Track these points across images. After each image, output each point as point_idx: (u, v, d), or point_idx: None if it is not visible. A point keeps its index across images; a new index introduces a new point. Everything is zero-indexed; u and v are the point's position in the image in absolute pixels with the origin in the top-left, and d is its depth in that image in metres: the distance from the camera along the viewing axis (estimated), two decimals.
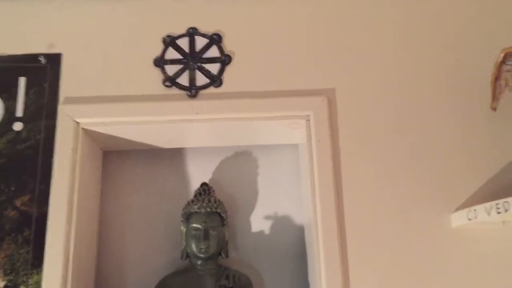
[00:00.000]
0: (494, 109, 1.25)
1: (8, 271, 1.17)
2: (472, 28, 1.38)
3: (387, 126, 1.31)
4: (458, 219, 1.21)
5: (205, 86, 1.33)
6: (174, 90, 1.32)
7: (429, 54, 1.36)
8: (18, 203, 1.22)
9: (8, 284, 1.17)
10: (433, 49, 1.36)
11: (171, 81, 1.33)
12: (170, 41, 1.36)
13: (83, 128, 1.29)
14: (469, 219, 1.16)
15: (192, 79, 1.33)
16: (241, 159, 1.51)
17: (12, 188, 1.23)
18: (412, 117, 1.31)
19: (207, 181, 1.43)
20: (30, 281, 1.16)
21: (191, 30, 1.37)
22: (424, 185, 1.26)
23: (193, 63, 1.35)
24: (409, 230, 1.23)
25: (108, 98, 1.31)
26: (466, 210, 1.17)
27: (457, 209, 1.23)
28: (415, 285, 1.20)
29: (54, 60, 1.33)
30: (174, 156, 1.51)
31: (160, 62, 1.34)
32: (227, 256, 1.34)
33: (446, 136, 1.30)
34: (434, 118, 1.31)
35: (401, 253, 1.22)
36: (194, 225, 1.31)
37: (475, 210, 1.14)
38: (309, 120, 1.30)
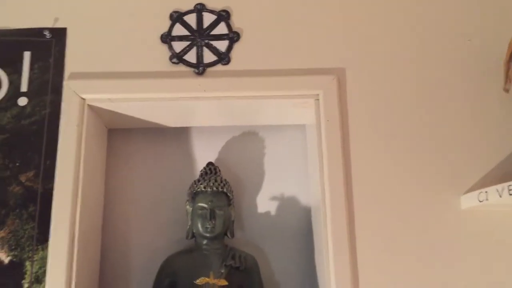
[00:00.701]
0: (507, 90, 1.23)
1: (13, 247, 1.16)
2: (484, 7, 1.35)
3: (398, 107, 1.29)
4: (468, 201, 1.19)
5: (212, 64, 1.30)
6: (181, 67, 1.30)
7: (441, 34, 1.34)
8: (23, 178, 1.20)
9: (14, 259, 1.16)
10: (444, 29, 1.34)
11: (178, 57, 1.30)
12: (177, 17, 1.33)
13: (88, 105, 1.27)
14: (480, 201, 1.14)
15: (199, 56, 1.31)
16: (248, 139, 1.50)
17: (17, 164, 1.21)
18: (423, 97, 1.29)
19: (213, 160, 1.42)
20: (36, 257, 1.15)
21: (199, 6, 1.34)
22: (434, 166, 1.25)
23: (201, 39, 1.32)
24: (418, 211, 1.22)
25: (114, 74, 1.28)
26: (476, 192, 1.16)
27: (468, 191, 1.22)
28: (423, 268, 1.19)
29: (59, 34, 1.30)
30: (180, 135, 1.49)
31: (167, 38, 1.32)
32: (233, 236, 1.33)
33: (457, 117, 1.28)
34: (445, 99, 1.29)
35: (409, 235, 1.20)
36: (200, 204, 1.30)
37: (486, 192, 1.13)
38: (318, 100, 1.28)
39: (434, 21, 1.35)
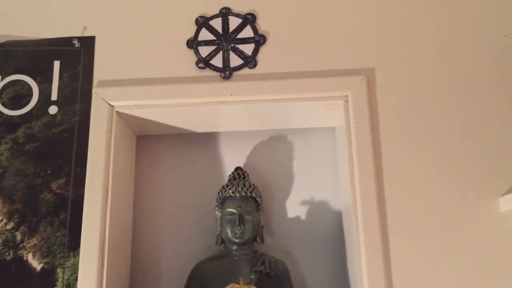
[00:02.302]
0: None
1: (45, 254, 1.18)
2: None
3: (429, 106, 1.25)
4: (507, 203, 1.15)
5: (239, 67, 1.29)
6: (208, 72, 1.30)
7: (475, 31, 1.29)
8: (54, 186, 1.22)
9: (46, 266, 1.17)
10: (478, 26, 1.30)
11: (204, 62, 1.30)
12: (203, 22, 1.33)
13: (117, 112, 1.28)
14: None
15: (225, 60, 1.30)
16: (276, 143, 1.48)
17: (48, 172, 1.23)
18: (456, 96, 1.25)
19: (241, 165, 1.41)
20: (67, 264, 1.16)
21: (224, 10, 1.34)
22: (470, 168, 1.20)
23: (227, 43, 1.32)
24: (454, 215, 1.18)
25: (142, 80, 1.29)
26: None
27: (506, 192, 1.17)
28: (460, 273, 1.14)
29: (88, 43, 1.32)
30: (208, 141, 1.48)
31: (193, 43, 1.32)
32: (262, 241, 1.31)
33: (493, 116, 1.23)
34: (480, 97, 1.25)
35: (445, 239, 1.16)
36: (229, 209, 1.29)
37: None
38: (347, 101, 1.26)
39: (467, 18, 1.30)
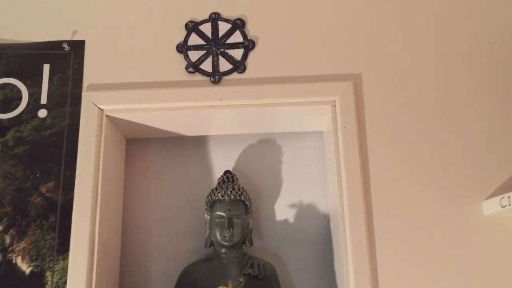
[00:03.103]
0: None
1: (34, 257, 1.18)
2: (504, 9, 1.33)
3: (416, 111, 1.27)
4: (491, 206, 1.17)
5: (228, 72, 1.31)
6: (197, 76, 1.31)
7: (460, 38, 1.32)
8: (43, 189, 1.22)
9: (35, 270, 1.17)
10: (464, 33, 1.32)
11: (194, 67, 1.31)
12: (192, 27, 1.34)
13: (106, 115, 1.29)
14: (503, 206, 1.12)
15: (215, 65, 1.31)
16: (265, 147, 1.49)
17: (38, 175, 1.23)
18: (442, 102, 1.28)
19: (230, 169, 1.42)
20: (56, 267, 1.17)
21: (214, 16, 1.35)
22: (455, 172, 1.23)
23: (216, 48, 1.33)
24: (438, 218, 1.20)
25: (132, 84, 1.30)
26: (499, 197, 1.13)
27: (490, 196, 1.19)
28: (445, 275, 1.16)
29: (78, 47, 1.32)
30: (197, 144, 1.49)
31: (183, 48, 1.33)
32: (251, 244, 1.33)
33: (478, 122, 1.26)
34: (466, 103, 1.27)
35: (430, 242, 1.18)
36: (218, 213, 1.30)
37: (509, 197, 1.10)
38: (334, 106, 1.28)
39: (452, 25, 1.33)
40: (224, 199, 1.31)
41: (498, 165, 1.22)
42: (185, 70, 1.31)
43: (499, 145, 1.24)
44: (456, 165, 1.23)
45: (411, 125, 1.26)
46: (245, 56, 1.32)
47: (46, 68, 1.31)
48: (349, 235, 1.18)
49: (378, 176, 1.23)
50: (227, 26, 1.34)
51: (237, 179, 1.37)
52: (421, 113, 1.27)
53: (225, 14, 1.35)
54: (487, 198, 1.19)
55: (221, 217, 1.29)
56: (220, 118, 1.35)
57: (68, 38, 1.33)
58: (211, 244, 1.32)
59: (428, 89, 1.28)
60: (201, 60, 1.32)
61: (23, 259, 1.18)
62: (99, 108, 1.27)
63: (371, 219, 1.20)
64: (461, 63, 1.30)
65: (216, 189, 1.34)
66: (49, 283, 1.16)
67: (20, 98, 1.29)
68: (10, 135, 1.26)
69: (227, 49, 1.33)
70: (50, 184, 1.22)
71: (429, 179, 1.22)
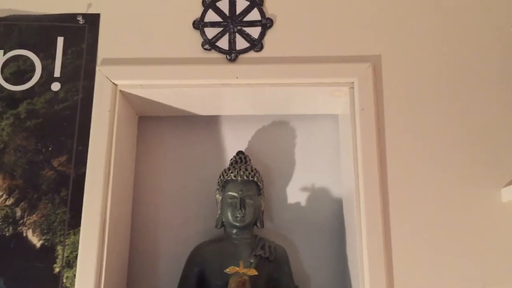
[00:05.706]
0: None
1: (45, 231, 1.17)
2: None
3: (435, 95, 1.24)
4: (510, 193, 1.15)
5: (245, 50, 1.28)
6: (213, 54, 1.28)
7: (481, 21, 1.29)
8: (55, 163, 1.21)
9: (45, 243, 1.16)
10: (485, 16, 1.29)
11: (210, 44, 1.29)
12: (210, 3, 1.32)
13: (120, 91, 1.27)
14: None
15: (232, 43, 1.29)
16: (279, 129, 1.47)
17: (50, 148, 1.22)
18: (462, 86, 1.25)
19: (243, 150, 1.40)
20: (67, 241, 1.16)
21: None
22: (473, 158, 1.20)
23: (233, 26, 1.30)
24: (456, 204, 1.18)
25: (146, 60, 1.28)
26: None
27: (509, 183, 1.17)
28: (462, 263, 1.15)
29: (92, 20, 1.30)
30: (210, 124, 1.47)
31: (199, 24, 1.30)
32: (262, 226, 1.31)
33: (497, 106, 1.24)
34: (485, 88, 1.25)
35: (447, 229, 1.17)
36: (230, 193, 1.28)
37: None
38: (352, 88, 1.25)
39: (474, 7, 1.30)
40: (237, 179, 1.29)
41: None
42: (201, 47, 1.29)
43: None
44: (475, 151, 1.21)
45: (430, 109, 1.24)
46: (262, 35, 1.29)
47: (60, 40, 1.29)
48: (364, 220, 1.16)
49: (395, 160, 1.21)
50: (245, 3, 1.32)
51: (250, 160, 1.36)
52: (440, 97, 1.24)
53: None
54: (506, 185, 1.17)
55: (233, 197, 1.28)
56: (235, 97, 1.33)
57: (83, 11, 1.31)
58: (222, 225, 1.31)
59: (448, 72, 1.26)
60: (218, 37, 1.29)
61: (34, 232, 1.17)
62: (113, 83, 1.25)
63: (386, 204, 1.18)
64: (482, 47, 1.27)
65: (229, 169, 1.32)
66: (59, 257, 1.15)
67: (33, 70, 1.27)
68: (22, 108, 1.24)
69: (244, 26, 1.30)
70: (62, 158, 1.21)
71: (447, 165, 1.20)
